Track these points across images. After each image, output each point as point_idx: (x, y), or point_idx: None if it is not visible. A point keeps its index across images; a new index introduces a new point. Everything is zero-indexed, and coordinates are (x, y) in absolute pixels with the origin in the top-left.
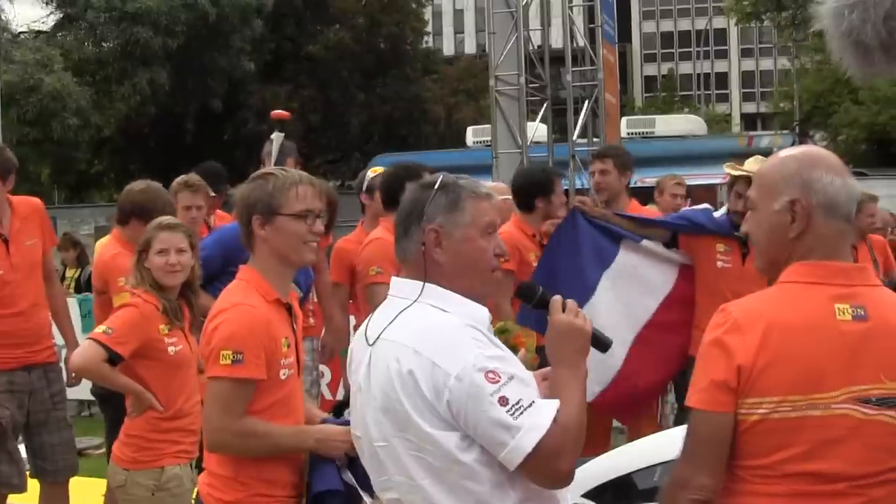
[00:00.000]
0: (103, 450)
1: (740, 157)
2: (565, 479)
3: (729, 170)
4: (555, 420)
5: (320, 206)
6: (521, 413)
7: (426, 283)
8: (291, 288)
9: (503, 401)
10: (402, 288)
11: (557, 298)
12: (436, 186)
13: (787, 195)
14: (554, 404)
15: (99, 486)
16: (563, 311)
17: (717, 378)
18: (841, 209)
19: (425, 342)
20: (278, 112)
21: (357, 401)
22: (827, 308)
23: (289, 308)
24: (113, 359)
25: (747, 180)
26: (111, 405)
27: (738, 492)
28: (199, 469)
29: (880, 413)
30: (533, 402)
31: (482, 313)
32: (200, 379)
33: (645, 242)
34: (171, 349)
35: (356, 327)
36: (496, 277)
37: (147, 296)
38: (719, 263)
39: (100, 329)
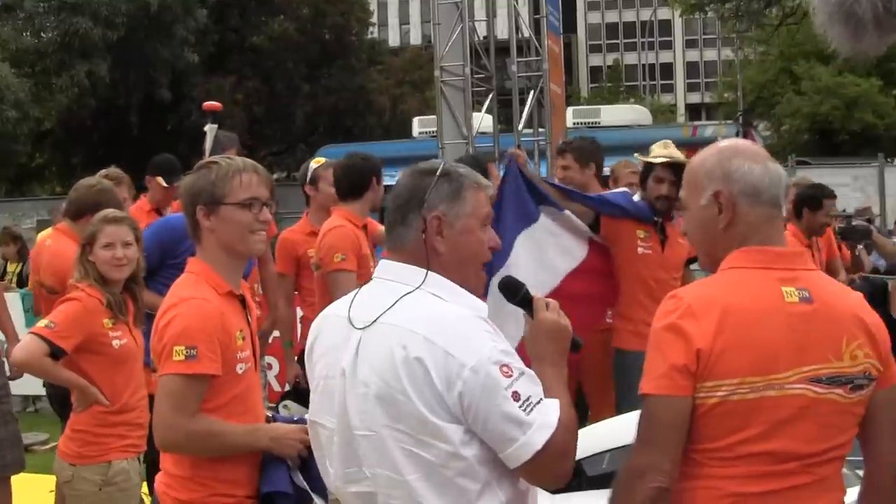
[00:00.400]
0: (49, 445)
1: (685, 146)
2: (565, 478)
3: (640, 157)
4: (558, 418)
5: (266, 194)
6: (532, 409)
7: (429, 272)
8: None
9: (516, 396)
10: (399, 273)
11: (541, 297)
12: (438, 174)
13: (710, 189)
14: (556, 403)
15: (46, 482)
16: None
17: (677, 362)
18: (764, 195)
19: (437, 331)
20: (210, 103)
21: (334, 386)
22: (775, 291)
23: (242, 300)
24: (56, 353)
25: (664, 164)
26: (67, 406)
27: (694, 476)
28: (147, 463)
29: (830, 391)
30: (541, 399)
31: (484, 306)
32: (154, 377)
33: (566, 213)
34: (115, 343)
35: (303, 319)
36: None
37: (90, 290)
38: (640, 249)
39: (42, 323)
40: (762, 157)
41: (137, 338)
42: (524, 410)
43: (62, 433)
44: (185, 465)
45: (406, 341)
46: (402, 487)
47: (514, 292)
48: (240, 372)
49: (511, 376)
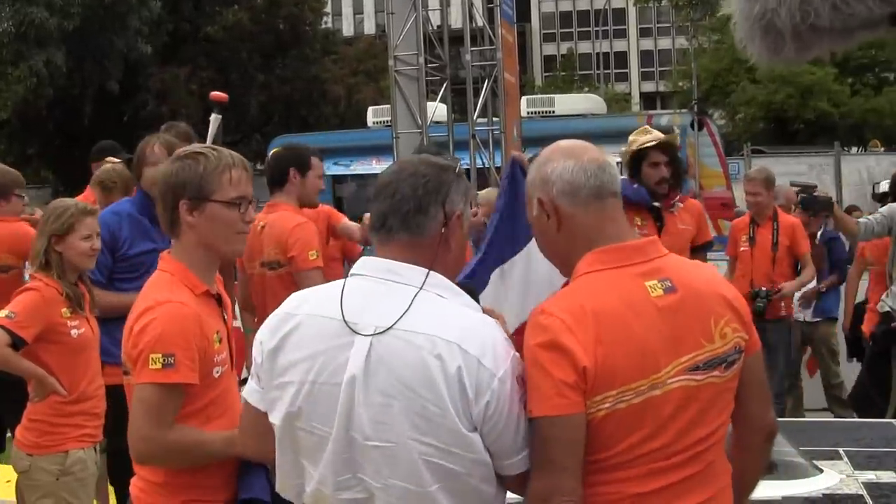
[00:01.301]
0: (6, 435)
1: None
2: None
3: (627, 148)
4: None
5: (251, 192)
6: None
7: (430, 271)
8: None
9: (525, 406)
10: (398, 272)
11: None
12: (457, 171)
13: (535, 197)
14: None
15: (4, 472)
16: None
17: (566, 380)
18: (584, 189)
19: (469, 338)
20: (217, 94)
21: (332, 393)
22: (640, 288)
23: (218, 298)
24: (17, 343)
25: (656, 147)
26: (13, 389)
27: (594, 483)
28: (105, 452)
29: (708, 376)
30: None
31: (476, 304)
32: (126, 380)
33: None
34: (73, 332)
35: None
36: None
37: (49, 280)
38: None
39: (2, 314)
40: (579, 153)
41: (94, 327)
42: (529, 421)
43: None
44: (161, 470)
45: (439, 350)
46: (421, 498)
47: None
48: (216, 375)
49: (524, 387)
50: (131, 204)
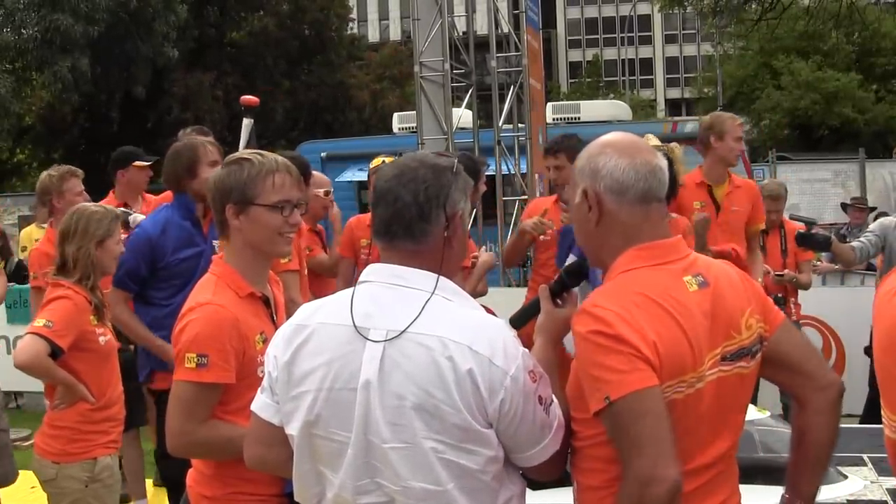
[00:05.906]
0: (30, 442)
1: (666, 142)
2: (560, 474)
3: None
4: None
5: (297, 195)
6: (549, 410)
7: (439, 276)
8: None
9: (540, 399)
10: (408, 278)
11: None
12: (455, 170)
13: (580, 185)
14: (556, 401)
15: (27, 478)
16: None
17: (641, 356)
18: (631, 190)
19: (479, 339)
20: (247, 98)
21: (347, 399)
22: (680, 284)
23: (266, 301)
24: (55, 352)
25: None
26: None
27: None
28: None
29: (735, 366)
30: (553, 399)
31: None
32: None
33: None
34: (101, 339)
35: None
36: None
37: (76, 287)
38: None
39: (39, 323)
40: (634, 151)
41: (114, 333)
42: (546, 413)
43: None
44: (211, 463)
45: (451, 352)
46: (438, 498)
47: (580, 276)
48: (260, 375)
49: (536, 381)
50: (172, 210)
